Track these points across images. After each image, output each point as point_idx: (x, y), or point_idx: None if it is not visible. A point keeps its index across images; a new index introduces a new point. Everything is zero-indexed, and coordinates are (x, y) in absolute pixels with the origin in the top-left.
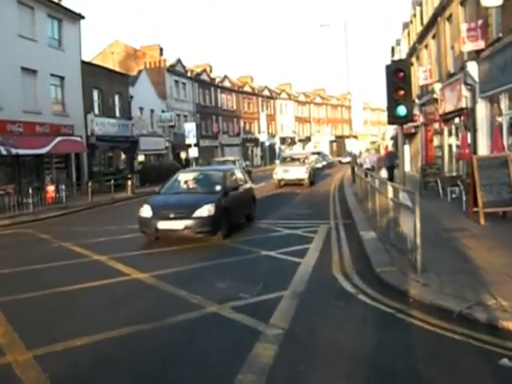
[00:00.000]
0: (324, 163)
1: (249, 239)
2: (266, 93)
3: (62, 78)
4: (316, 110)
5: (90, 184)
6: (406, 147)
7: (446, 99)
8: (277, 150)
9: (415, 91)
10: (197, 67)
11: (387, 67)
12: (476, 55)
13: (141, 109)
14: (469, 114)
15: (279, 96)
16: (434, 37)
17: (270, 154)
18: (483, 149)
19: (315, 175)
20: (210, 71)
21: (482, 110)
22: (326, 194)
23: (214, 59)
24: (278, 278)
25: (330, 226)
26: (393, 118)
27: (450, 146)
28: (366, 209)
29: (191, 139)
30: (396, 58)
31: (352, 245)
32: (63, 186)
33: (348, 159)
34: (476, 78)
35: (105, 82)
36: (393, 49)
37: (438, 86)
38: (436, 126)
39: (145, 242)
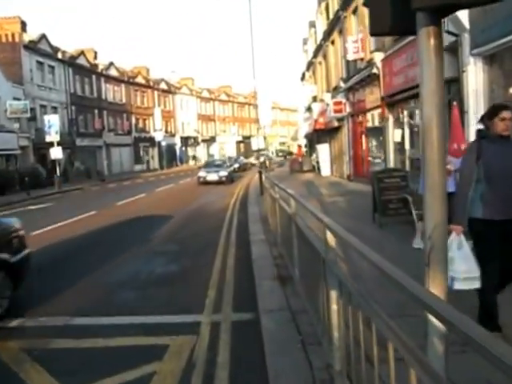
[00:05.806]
0: (236, 166)
1: None
2: (164, 86)
3: None
4: (221, 108)
5: None
6: (325, 146)
7: (393, 73)
8: (177, 152)
9: (338, 74)
10: (78, 52)
11: None
12: None
13: None
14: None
15: (179, 91)
16: None
17: (168, 156)
18: None
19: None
20: (95, 58)
21: (477, 76)
22: (219, 218)
23: (103, 48)
24: None
25: (194, 357)
26: None
27: (402, 142)
28: (290, 270)
29: (53, 136)
30: (311, 44)
31: None
32: None
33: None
34: (466, 22)
35: None
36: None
37: (378, 57)
38: (371, 115)
39: None
